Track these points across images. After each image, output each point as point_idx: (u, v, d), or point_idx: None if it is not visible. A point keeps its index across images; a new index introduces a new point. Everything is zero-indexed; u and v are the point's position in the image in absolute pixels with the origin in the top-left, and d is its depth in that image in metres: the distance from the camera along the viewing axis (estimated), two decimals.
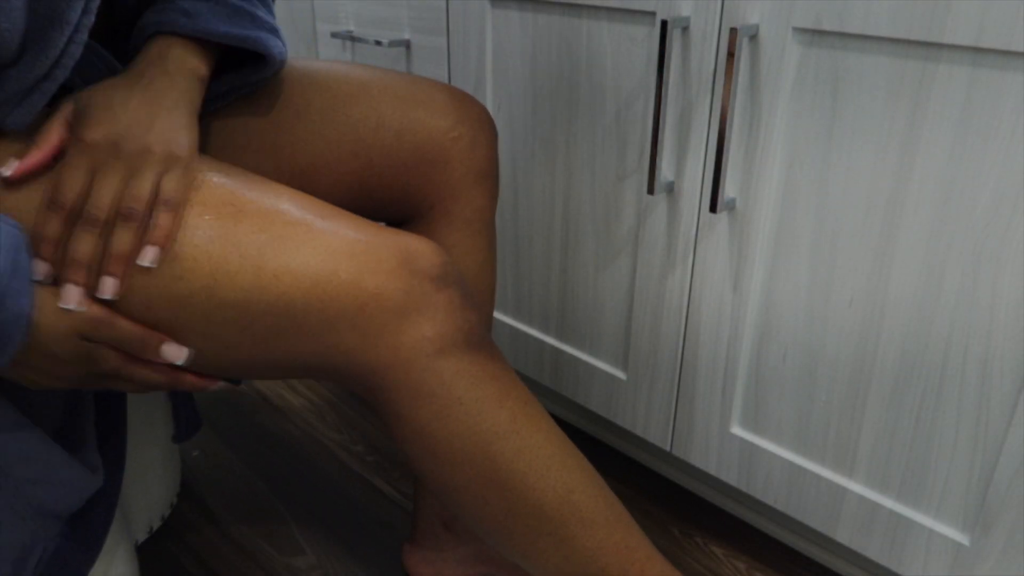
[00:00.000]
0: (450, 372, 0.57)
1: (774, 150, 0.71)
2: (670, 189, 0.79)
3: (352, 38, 1.10)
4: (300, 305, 0.53)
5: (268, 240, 0.53)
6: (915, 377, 0.68)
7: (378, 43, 1.03)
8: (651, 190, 0.78)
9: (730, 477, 0.86)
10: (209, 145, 0.67)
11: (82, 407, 0.65)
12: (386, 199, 0.71)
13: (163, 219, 0.51)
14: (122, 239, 0.51)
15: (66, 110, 0.53)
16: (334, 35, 1.11)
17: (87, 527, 0.66)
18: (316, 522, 0.95)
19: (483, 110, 0.72)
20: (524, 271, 1.01)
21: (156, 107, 0.54)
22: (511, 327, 1.06)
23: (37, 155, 0.51)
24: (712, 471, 0.87)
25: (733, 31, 0.67)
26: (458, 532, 0.82)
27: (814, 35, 0.65)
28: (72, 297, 0.51)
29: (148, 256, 0.51)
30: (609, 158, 0.85)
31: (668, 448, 0.91)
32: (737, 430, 0.84)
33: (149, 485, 0.90)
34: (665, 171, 0.80)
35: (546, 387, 1.12)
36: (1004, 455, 0.64)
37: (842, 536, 0.78)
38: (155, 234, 0.51)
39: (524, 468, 0.59)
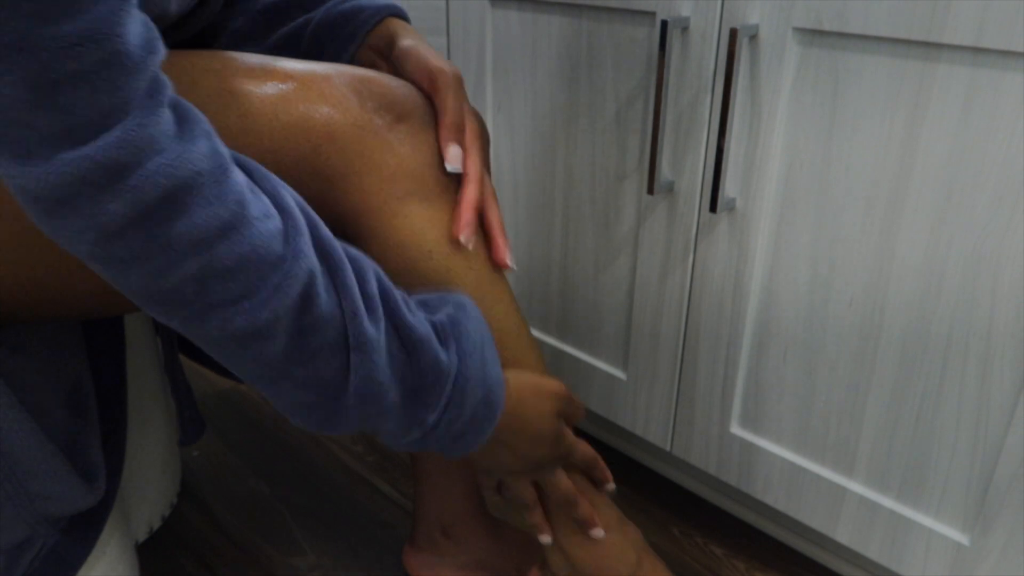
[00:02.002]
0: (420, 219, 0.57)
1: (774, 150, 0.71)
2: (670, 189, 0.79)
3: None
4: (307, 148, 0.55)
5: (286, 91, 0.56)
6: (915, 377, 0.68)
7: None
8: (651, 190, 0.78)
9: (730, 477, 0.86)
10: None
11: (85, 406, 0.65)
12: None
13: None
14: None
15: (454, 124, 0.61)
16: None
17: (84, 524, 0.66)
18: (316, 522, 0.95)
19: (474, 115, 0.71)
20: (524, 271, 1.01)
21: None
22: None
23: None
24: (712, 471, 0.87)
25: (733, 31, 0.67)
26: (456, 538, 0.81)
27: (814, 35, 0.65)
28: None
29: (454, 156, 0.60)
30: (609, 158, 0.85)
31: (668, 448, 0.91)
32: (737, 430, 0.84)
33: (149, 485, 0.90)
34: (665, 171, 0.80)
35: None
36: (1004, 455, 0.64)
37: (842, 536, 0.78)
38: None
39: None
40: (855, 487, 0.76)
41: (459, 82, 0.61)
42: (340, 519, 0.96)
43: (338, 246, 0.48)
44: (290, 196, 0.47)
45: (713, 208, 0.73)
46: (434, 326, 0.52)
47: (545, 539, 0.68)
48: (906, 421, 0.70)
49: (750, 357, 0.80)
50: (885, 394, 0.71)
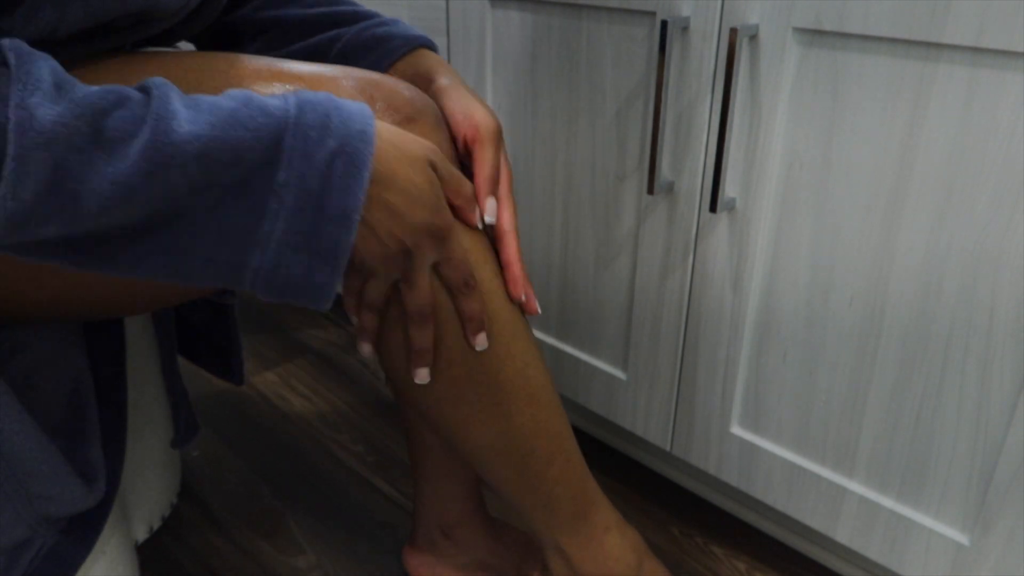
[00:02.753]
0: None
1: (774, 150, 0.71)
2: (670, 189, 0.79)
3: None
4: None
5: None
6: (915, 377, 0.68)
7: None
8: (651, 190, 0.78)
9: (730, 477, 0.86)
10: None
11: (86, 405, 0.65)
12: None
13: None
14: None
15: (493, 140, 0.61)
16: None
17: (83, 524, 0.66)
18: (316, 522, 0.95)
19: None
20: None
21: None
22: None
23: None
24: (712, 471, 0.87)
25: (733, 31, 0.67)
26: (456, 540, 0.82)
27: (814, 35, 0.65)
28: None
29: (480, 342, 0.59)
30: (609, 158, 0.85)
31: (668, 448, 0.91)
32: (737, 430, 0.84)
33: (149, 485, 0.90)
34: (665, 171, 0.80)
35: None
36: (1004, 455, 0.64)
37: (842, 536, 0.78)
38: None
39: (491, 329, 0.59)
40: (855, 487, 0.76)
41: (499, 134, 0.61)
42: (340, 519, 0.96)
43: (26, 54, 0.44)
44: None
45: (713, 208, 0.73)
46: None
47: (364, 348, 0.59)
48: (906, 421, 0.70)
49: (750, 357, 0.80)
50: (885, 394, 0.71)
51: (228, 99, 0.46)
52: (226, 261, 0.46)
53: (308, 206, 0.46)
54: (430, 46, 0.69)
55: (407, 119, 0.57)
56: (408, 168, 0.50)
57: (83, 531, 0.65)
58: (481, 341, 0.58)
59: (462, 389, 0.60)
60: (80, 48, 0.53)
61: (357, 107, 0.49)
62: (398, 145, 0.50)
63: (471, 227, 0.58)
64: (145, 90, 0.45)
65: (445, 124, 0.61)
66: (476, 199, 0.58)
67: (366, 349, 0.59)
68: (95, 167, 0.42)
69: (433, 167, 0.52)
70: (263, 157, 0.45)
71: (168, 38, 0.64)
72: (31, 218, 0.42)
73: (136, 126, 0.43)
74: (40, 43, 0.50)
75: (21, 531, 0.59)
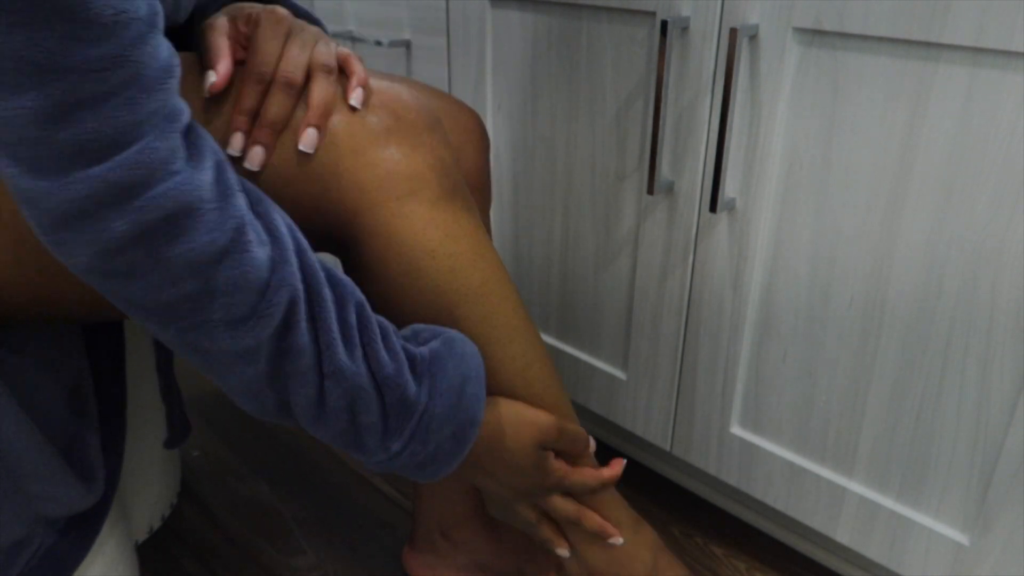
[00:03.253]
0: (422, 220, 0.55)
1: (774, 150, 0.71)
2: (670, 189, 0.79)
3: (352, 38, 1.10)
4: (294, 145, 0.54)
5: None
6: (915, 377, 0.68)
7: (378, 43, 1.03)
8: (651, 190, 0.78)
9: (730, 477, 0.86)
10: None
11: (85, 407, 0.65)
12: None
13: (357, 67, 0.57)
14: (278, 104, 0.55)
15: (221, 26, 0.55)
16: (334, 35, 1.11)
17: (82, 524, 0.66)
18: (316, 522, 0.95)
19: (472, 118, 0.70)
20: (524, 271, 1.01)
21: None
22: None
23: (227, 61, 0.54)
24: (712, 471, 0.87)
25: (733, 31, 0.67)
26: (456, 541, 0.81)
27: (814, 35, 0.65)
28: (237, 143, 0.53)
29: (358, 97, 0.55)
30: (609, 158, 0.85)
31: (668, 448, 0.91)
32: (737, 430, 0.84)
33: (149, 485, 0.90)
34: (665, 171, 0.80)
35: None
36: (1004, 455, 0.64)
37: (842, 536, 0.78)
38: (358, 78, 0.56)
39: (487, 333, 0.59)
40: (855, 487, 0.76)
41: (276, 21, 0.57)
42: (340, 519, 0.96)
43: (321, 274, 0.49)
44: (282, 221, 0.48)
45: (713, 208, 0.73)
46: (411, 359, 0.53)
47: (562, 552, 0.69)
48: (906, 421, 0.70)
49: (750, 357, 0.80)
50: (885, 394, 0.71)
51: (394, 369, 0.52)
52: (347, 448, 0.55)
53: (410, 467, 0.55)
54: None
55: (394, 117, 0.57)
56: (516, 453, 0.60)
57: (81, 531, 0.65)
58: (615, 541, 0.70)
59: (460, 387, 0.60)
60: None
61: (474, 390, 0.56)
62: (511, 429, 0.59)
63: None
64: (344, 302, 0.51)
65: (438, 128, 0.60)
66: None
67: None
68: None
69: (544, 446, 0.62)
70: (387, 427, 0.53)
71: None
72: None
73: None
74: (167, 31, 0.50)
75: (19, 530, 0.59)
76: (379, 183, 0.55)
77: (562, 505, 0.66)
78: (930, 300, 0.65)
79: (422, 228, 0.55)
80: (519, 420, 0.60)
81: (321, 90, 0.54)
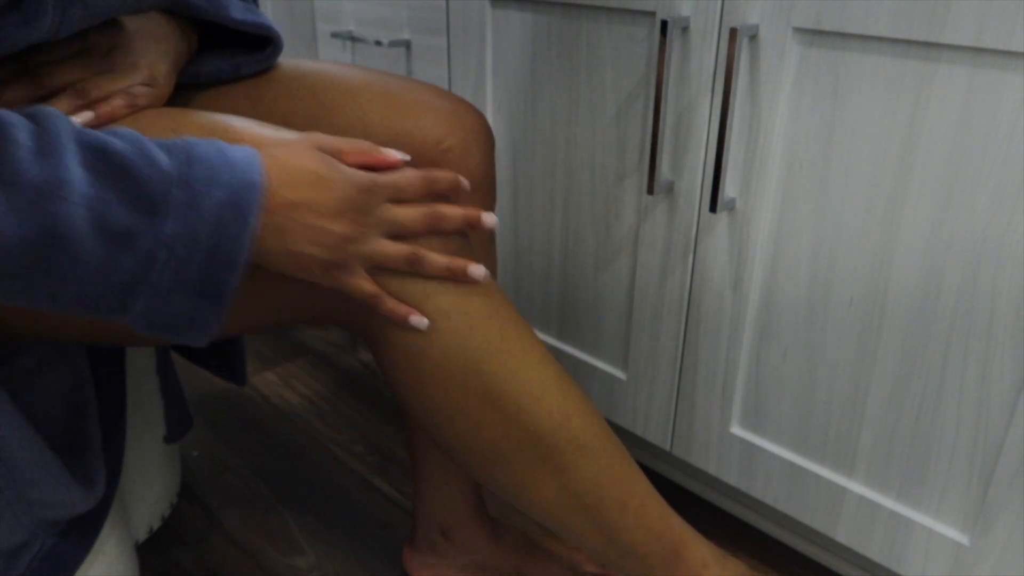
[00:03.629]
0: (432, 283, 0.55)
1: (774, 150, 0.71)
2: (670, 189, 0.79)
3: (352, 38, 1.10)
4: None
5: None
6: (915, 377, 0.68)
7: (378, 43, 1.03)
8: (651, 190, 0.78)
9: (730, 477, 0.86)
10: None
11: (87, 405, 0.65)
12: None
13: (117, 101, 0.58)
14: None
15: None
16: (334, 35, 1.11)
17: (82, 525, 0.66)
18: (316, 522, 0.95)
19: (478, 118, 0.70)
20: (524, 271, 1.01)
21: (150, 42, 0.61)
22: None
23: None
24: (712, 471, 0.87)
25: (733, 31, 0.67)
26: (456, 541, 0.81)
27: (814, 35, 0.65)
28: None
29: (84, 118, 0.56)
30: (609, 158, 0.85)
31: (668, 448, 0.91)
32: (737, 430, 0.84)
33: (149, 485, 0.90)
34: (665, 171, 0.80)
35: None
36: (1004, 455, 0.64)
37: (842, 536, 0.78)
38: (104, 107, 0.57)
39: (518, 390, 0.57)
40: (855, 487, 0.76)
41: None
42: (340, 519, 0.96)
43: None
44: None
45: (713, 208, 0.73)
46: (156, 143, 0.49)
47: (417, 322, 0.56)
48: (906, 421, 0.70)
49: (750, 357, 0.80)
50: (885, 394, 0.71)
51: (122, 141, 0.47)
52: (108, 304, 0.48)
53: (197, 256, 0.48)
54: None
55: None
56: (296, 160, 0.51)
57: (82, 532, 0.65)
58: (475, 272, 0.56)
59: (501, 450, 0.58)
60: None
61: (243, 155, 0.50)
62: (290, 170, 0.51)
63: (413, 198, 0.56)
64: (36, 119, 0.46)
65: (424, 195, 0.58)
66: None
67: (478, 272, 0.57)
68: None
69: (327, 161, 0.52)
70: (151, 208, 0.46)
71: None
72: None
73: (30, 165, 0.44)
74: (39, 47, 0.50)
75: (20, 534, 0.59)
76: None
77: (394, 249, 0.54)
78: (930, 300, 0.65)
79: (433, 291, 0.55)
80: (289, 153, 0.52)
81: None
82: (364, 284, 0.53)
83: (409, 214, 0.54)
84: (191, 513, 0.97)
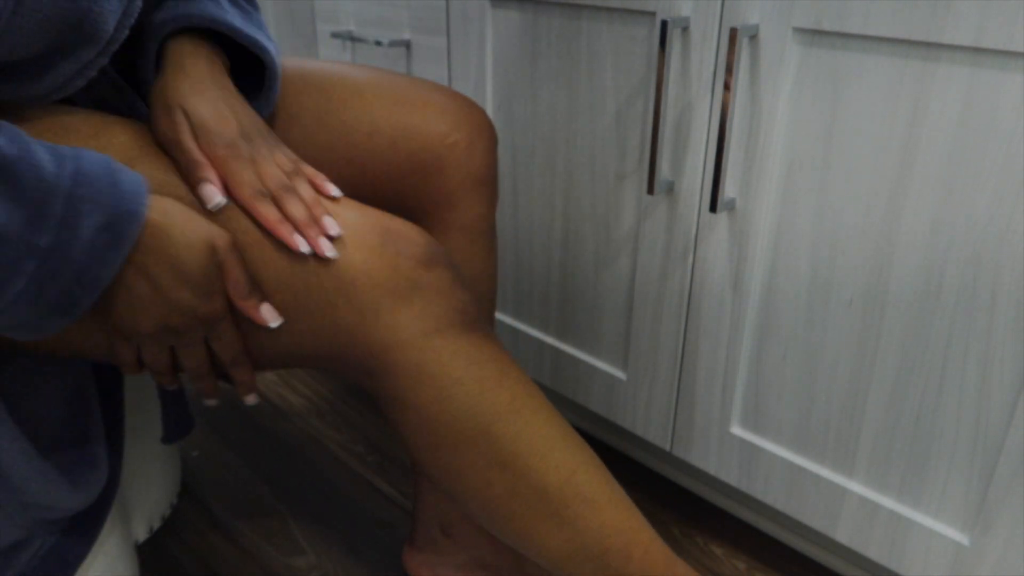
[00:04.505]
0: (448, 352, 0.57)
1: (774, 150, 0.71)
2: (670, 189, 0.79)
3: (352, 38, 1.10)
4: (301, 285, 0.54)
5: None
6: (915, 377, 0.68)
7: (378, 43, 1.03)
8: (651, 190, 0.78)
9: (730, 477, 0.86)
10: None
11: (89, 403, 0.65)
12: (380, 206, 0.71)
13: (310, 190, 0.58)
14: (299, 207, 0.55)
15: (183, 127, 0.55)
16: (334, 35, 1.11)
17: (84, 524, 0.66)
18: (316, 522, 0.95)
19: (482, 115, 0.71)
20: (524, 271, 1.01)
21: (232, 98, 0.58)
22: (511, 327, 1.06)
23: (215, 177, 0.55)
24: (712, 471, 0.87)
25: (733, 31, 0.67)
26: (456, 538, 0.81)
27: (814, 35, 0.65)
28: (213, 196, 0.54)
29: (331, 226, 0.56)
30: (609, 158, 0.85)
31: (668, 448, 0.91)
32: (737, 430, 0.84)
33: (149, 485, 0.90)
34: (665, 171, 0.80)
35: (546, 387, 1.12)
36: (1004, 455, 0.64)
37: (842, 536, 0.78)
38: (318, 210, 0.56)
39: (526, 449, 0.59)
40: (855, 487, 0.76)
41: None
42: (340, 519, 0.96)
43: None
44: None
45: (713, 208, 0.73)
46: (45, 148, 0.48)
47: (210, 402, 0.60)
48: (906, 421, 0.70)
49: (750, 357, 0.80)
50: (885, 394, 0.71)
51: (5, 139, 0.46)
52: None
53: (66, 272, 0.48)
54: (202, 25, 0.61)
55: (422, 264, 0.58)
56: (184, 250, 0.52)
57: (83, 530, 0.65)
58: (251, 400, 0.60)
59: (510, 505, 0.60)
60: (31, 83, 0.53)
61: (133, 183, 0.50)
62: (179, 225, 0.52)
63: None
64: None
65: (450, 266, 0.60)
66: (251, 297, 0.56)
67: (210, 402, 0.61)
68: None
69: (216, 253, 0.53)
70: (27, 215, 0.46)
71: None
72: None
73: None
74: None
75: (16, 533, 0.59)
76: (407, 325, 0.57)
77: (200, 353, 0.56)
78: (930, 300, 0.65)
79: (448, 359, 0.58)
80: (188, 218, 0.53)
81: (307, 190, 0.57)
82: (129, 355, 0.56)
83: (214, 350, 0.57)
84: (191, 513, 0.97)
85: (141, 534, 0.91)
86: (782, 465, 0.80)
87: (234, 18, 0.61)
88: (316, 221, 0.55)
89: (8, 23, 0.47)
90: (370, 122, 0.67)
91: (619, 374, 0.94)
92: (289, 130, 0.68)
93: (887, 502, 0.74)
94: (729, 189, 0.75)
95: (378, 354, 0.56)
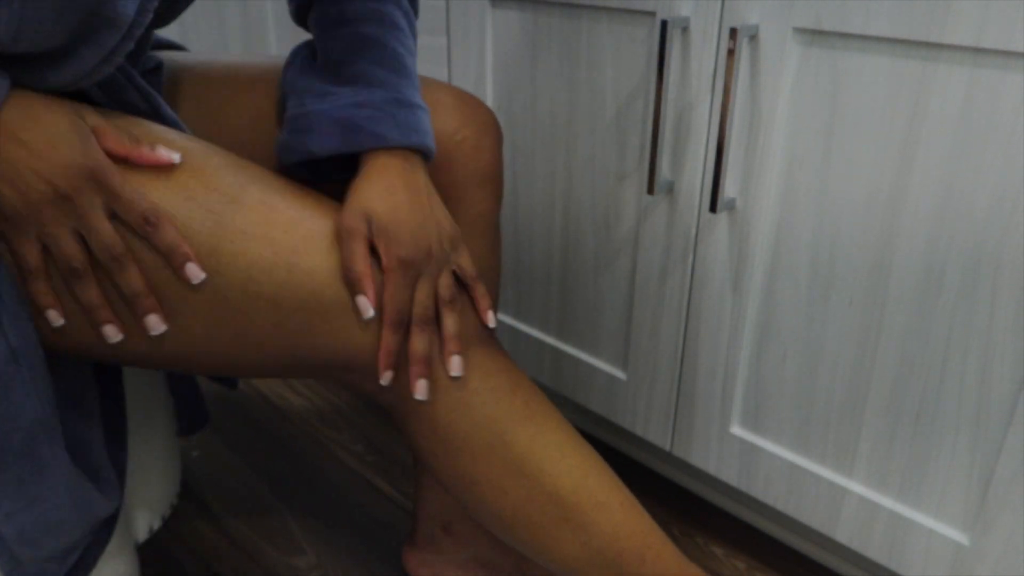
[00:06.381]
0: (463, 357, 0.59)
1: (774, 150, 0.71)
2: (670, 189, 0.79)
3: None
4: (328, 299, 0.55)
5: (301, 239, 0.55)
6: (915, 377, 0.68)
7: None
8: (651, 190, 0.78)
9: (730, 477, 0.86)
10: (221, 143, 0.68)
11: (90, 410, 0.65)
12: None
13: (455, 324, 0.60)
14: (424, 343, 0.58)
15: (360, 229, 0.56)
16: None
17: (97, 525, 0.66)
18: (316, 522, 0.95)
19: (488, 113, 0.72)
20: (524, 271, 1.01)
21: (423, 207, 0.59)
22: (511, 327, 1.06)
23: (371, 275, 0.56)
24: (712, 471, 0.87)
25: (733, 31, 0.67)
26: (457, 536, 0.82)
27: (814, 35, 0.65)
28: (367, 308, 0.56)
29: (455, 367, 0.59)
30: (609, 158, 0.85)
31: (668, 448, 0.91)
32: (737, 430, 0.84)
33: (149, 485, 0.90)
34: (665, 171, 0.80)
35: (546, 387, 1.12)
36: (1004, 455, 0.64)
37: (842, 536, 0.78)
38: (454, 343, 0.60)
39: (540, 454, 0.61)
40: (855, 487, 0.76)
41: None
42: (340, 519, 0.96)
43: None
44: None
45: (713, 208, 0.73)
46: None
47: (56, 319, 0.54)
48: (906, 421, 0.70)
49: (750, 357, 0.80)
50: (885, 394, 0.71)
51: None
52: None
53: None
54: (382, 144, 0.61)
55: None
56: (49, 113, 0.50)
57: (96, 531, 0.66)
58: (195, 274, 0.53)
59: (526, 512, 0.61)
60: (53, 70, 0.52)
61: None
62: (42, 97, 0.51)
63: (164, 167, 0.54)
64: None
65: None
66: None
67: (111, 331, 0.54)
68: None
69: (84, 119, 0.52)
70: None
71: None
72: None
73: None
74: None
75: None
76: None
77: (107, 230, 0.52)
78: (930, 300, 0.65)
79: (464, 371, 0.60)
80: (49, 97, 0.52)
81: (452, 324, 0.59)
82: (30, 253, 0.51)
83: (105, 233, 0.52)
84: (191, 513, 0.97)
85: (141, 534, 0.91)
86: (782, 465, 0.80)
87: (411, 90, 0.63)
88: (437, 362, 0.59)
89: (22, 8, 0.47)
90: None
91: (619, 374, 0.94)
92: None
93: (887, 502, 0.74)
94: (729, 189, 0.75)
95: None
